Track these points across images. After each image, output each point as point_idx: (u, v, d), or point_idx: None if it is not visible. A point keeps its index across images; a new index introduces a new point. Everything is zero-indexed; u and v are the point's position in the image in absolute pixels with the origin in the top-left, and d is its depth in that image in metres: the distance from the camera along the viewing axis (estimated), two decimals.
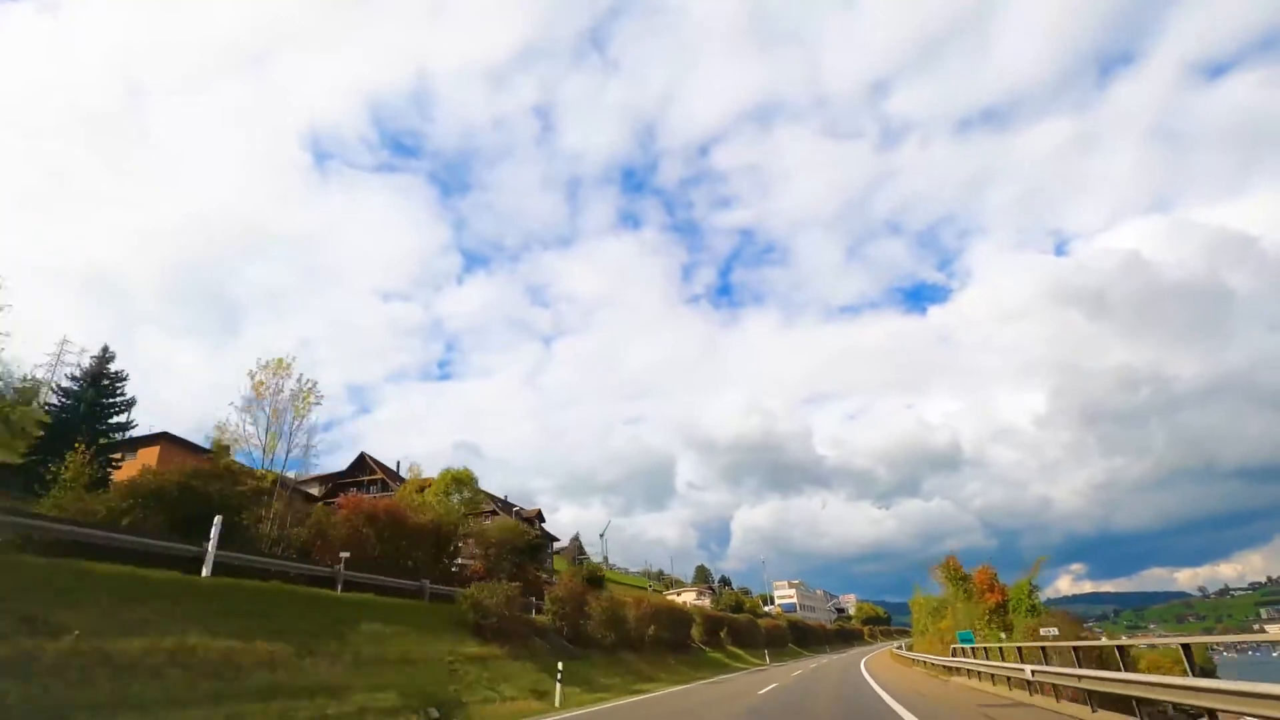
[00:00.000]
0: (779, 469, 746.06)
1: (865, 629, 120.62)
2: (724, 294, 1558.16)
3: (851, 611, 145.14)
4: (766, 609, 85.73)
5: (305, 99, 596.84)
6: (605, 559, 69.97)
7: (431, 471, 33.57)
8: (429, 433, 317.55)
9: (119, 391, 28.87)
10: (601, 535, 68.16)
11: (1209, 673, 11.59)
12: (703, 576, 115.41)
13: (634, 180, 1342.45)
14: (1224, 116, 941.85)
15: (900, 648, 52.13)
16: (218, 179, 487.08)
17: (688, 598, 67.45)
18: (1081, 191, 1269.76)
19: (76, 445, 17.42)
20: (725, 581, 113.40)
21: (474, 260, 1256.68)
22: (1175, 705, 9.65)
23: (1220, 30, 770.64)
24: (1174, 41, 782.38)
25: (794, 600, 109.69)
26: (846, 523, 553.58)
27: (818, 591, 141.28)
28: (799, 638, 76.01)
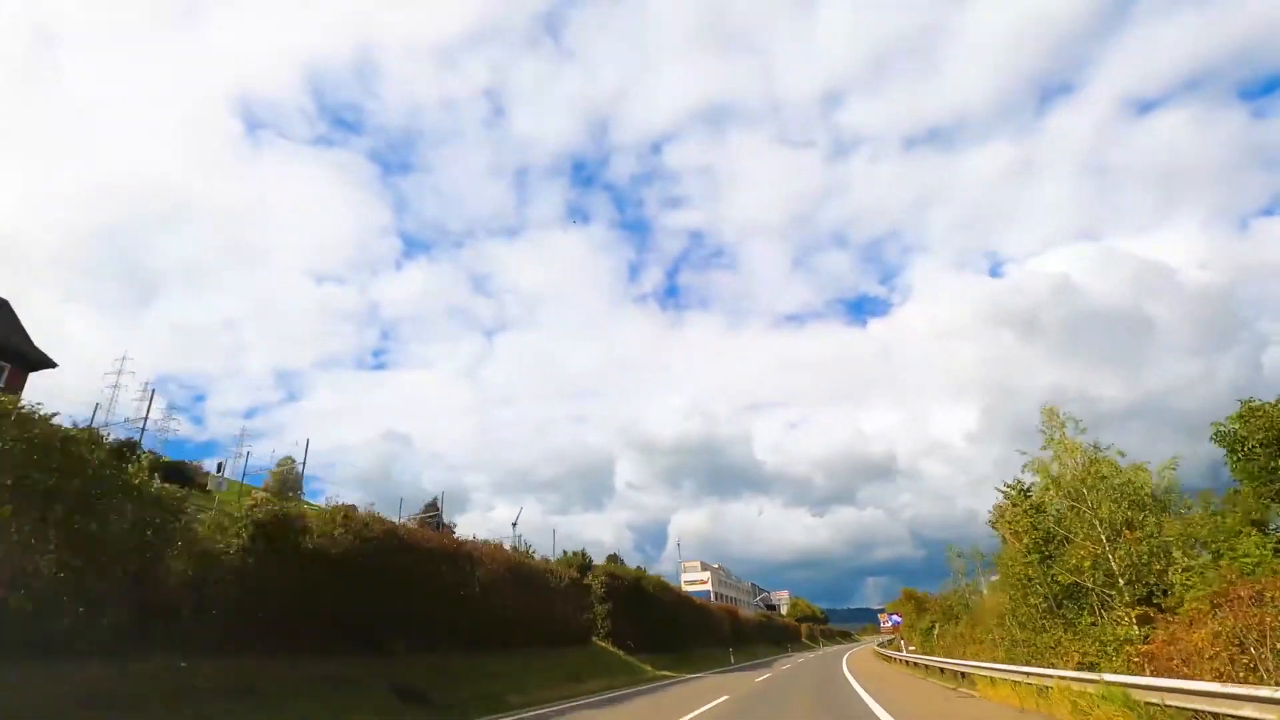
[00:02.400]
0: (718, 473, 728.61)
1: (803, 627, 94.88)
2: (671, 295, 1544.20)
3: (785, 609, 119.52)
4: None
5: (239, 61, 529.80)
6: (516, 549, 51.16)
7: None
8: (362, 424, 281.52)
9: None
10: (514, 524, 56.19)
11: None
12: (613, 562, 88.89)
13: (584, 173, 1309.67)
14: (1151, 150, 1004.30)
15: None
16: (138, 142, 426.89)
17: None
18: (1018, 214, 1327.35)
19: None
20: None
21: (415, 245, 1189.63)
22: None
23: (1152, 67, 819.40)
24: (1110, 75, 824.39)
25: (708, 587, 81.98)
26: (781, 529, 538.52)
27: (744, 583, 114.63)
28: (667, 632, 35.78)
